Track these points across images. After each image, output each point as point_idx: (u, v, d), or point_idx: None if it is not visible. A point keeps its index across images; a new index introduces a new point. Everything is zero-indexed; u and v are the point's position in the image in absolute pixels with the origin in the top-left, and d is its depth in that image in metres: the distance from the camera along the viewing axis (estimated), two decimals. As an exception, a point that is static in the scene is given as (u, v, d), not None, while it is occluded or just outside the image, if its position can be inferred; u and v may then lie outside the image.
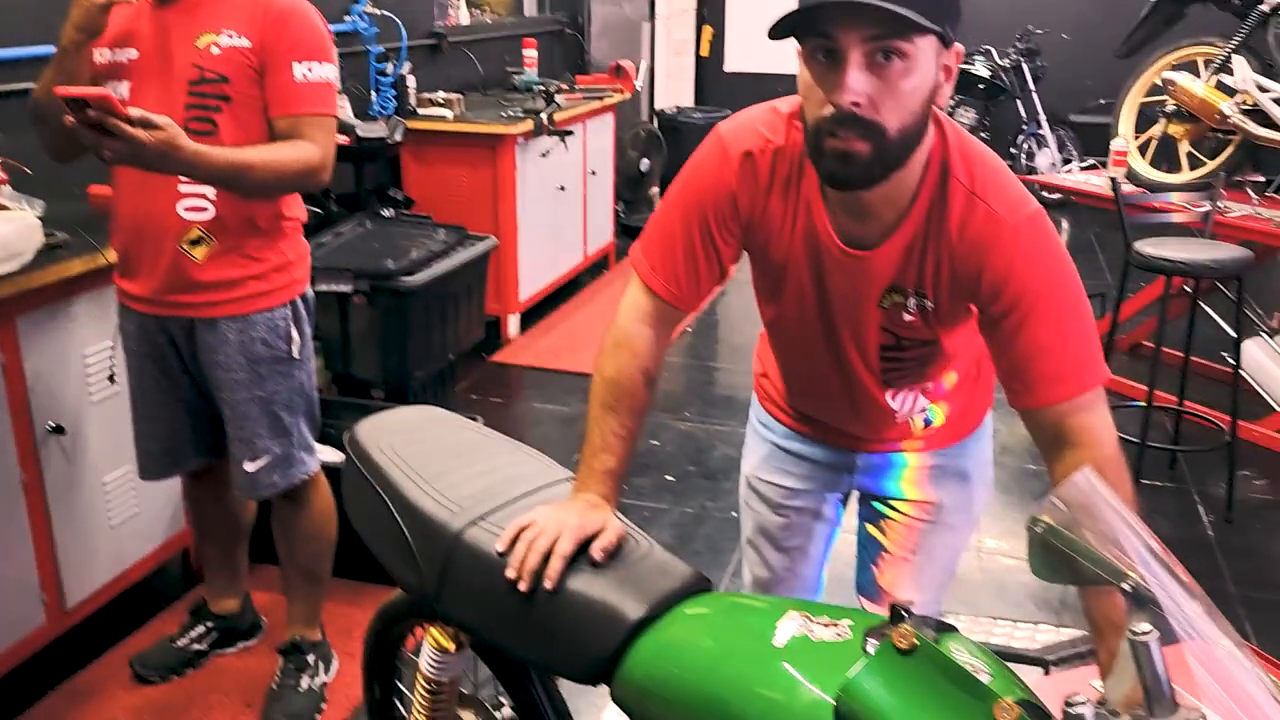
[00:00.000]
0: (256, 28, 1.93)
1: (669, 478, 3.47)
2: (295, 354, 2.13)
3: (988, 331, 1.32)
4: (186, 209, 1.97)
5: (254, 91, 1.95)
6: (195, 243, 1.98)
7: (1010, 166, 5.36)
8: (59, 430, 2.26)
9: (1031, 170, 7.16)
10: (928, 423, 1.57)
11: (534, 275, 4.81)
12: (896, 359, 1.46)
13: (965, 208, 1.27)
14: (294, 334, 2.12)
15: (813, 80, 1.21)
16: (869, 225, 1.33)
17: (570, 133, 4.80)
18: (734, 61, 8.71)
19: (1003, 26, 7.34)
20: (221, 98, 1.93)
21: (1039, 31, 7.34)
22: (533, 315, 4.89)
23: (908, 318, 1.37)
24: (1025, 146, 7.28)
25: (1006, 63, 7.22)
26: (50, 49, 2.76)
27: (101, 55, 1.96)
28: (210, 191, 1.96)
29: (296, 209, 2.14)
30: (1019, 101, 7.28)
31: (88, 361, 2.34)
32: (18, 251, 2.08)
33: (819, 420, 1.63)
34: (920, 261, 1.32)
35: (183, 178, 1.92)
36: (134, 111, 1.68)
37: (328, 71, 2.01)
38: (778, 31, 1.21)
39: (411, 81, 4.47)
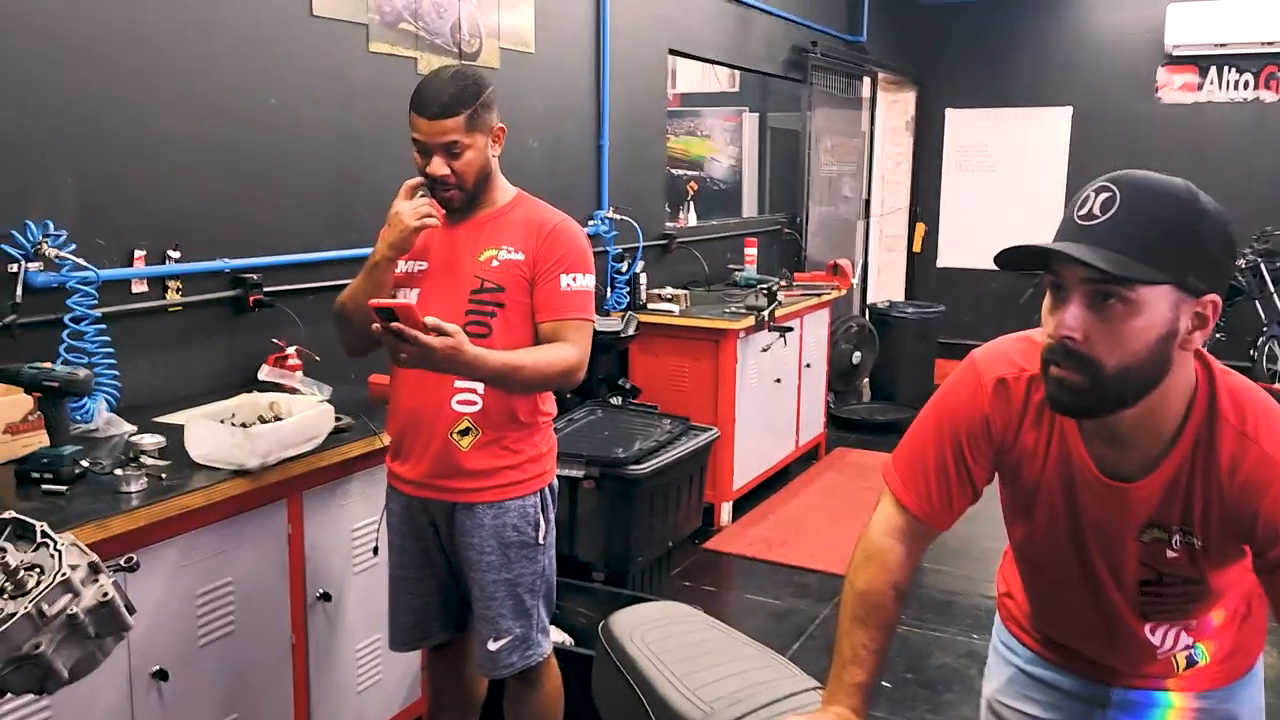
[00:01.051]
0: (532, 244, 2.19)
1: (885, 684, 3.37)
2: (541, 540, 2.28)
3: (1265, 576, 1.28)
4: (458, 402, 2.18)
5: (525, 299, 2.18)
6: (464, 433, 2.19)
7: (1250, 370, 5.09)
8: (326, 598, 2.48)
9: (1274, 375, 6.75)
10: (1192, 661, 1.51)
11: (748, 464, 4.89)
12: (1156, 593, 1.43)
13: (1236, 448, 1.27)
14: (541, 521, 2.28)
15: (1047, 307, 1.27)
16: (1128, 456, 1.34)
17: (790, 329, 4.96)
18: (946, 257, 8.80)
19: (1239, 226, 7.11)
20: (497, 304, 2.17)
21: (1277, 232, 7.07)
22: (744, 503, 4.94)
23: (1171, 554, 1.35)
24: (1266, 349, 6.90)
25: (1243, 263, 6.95)
26: (341, 254, 3.20)
27: (399, 266, 2.25)
28: (480, 387, 2.17)
29: (550, 405, 2.33)
30: (1258, 303, 6.97)
31: (355, 535, 2.57)
32: (315, 434, 2.35)
33: (1069, 648, 1.59)
34: (1186, 499, 1.31)
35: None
36: (429, 320, 1.92)
37: (589, 282, 2.23)
38: (1005, 263, 1.25)
39: (643, 278, 4.78)
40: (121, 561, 1.53)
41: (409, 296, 2.19)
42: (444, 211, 2.22)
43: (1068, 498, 1.40)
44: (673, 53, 5.27)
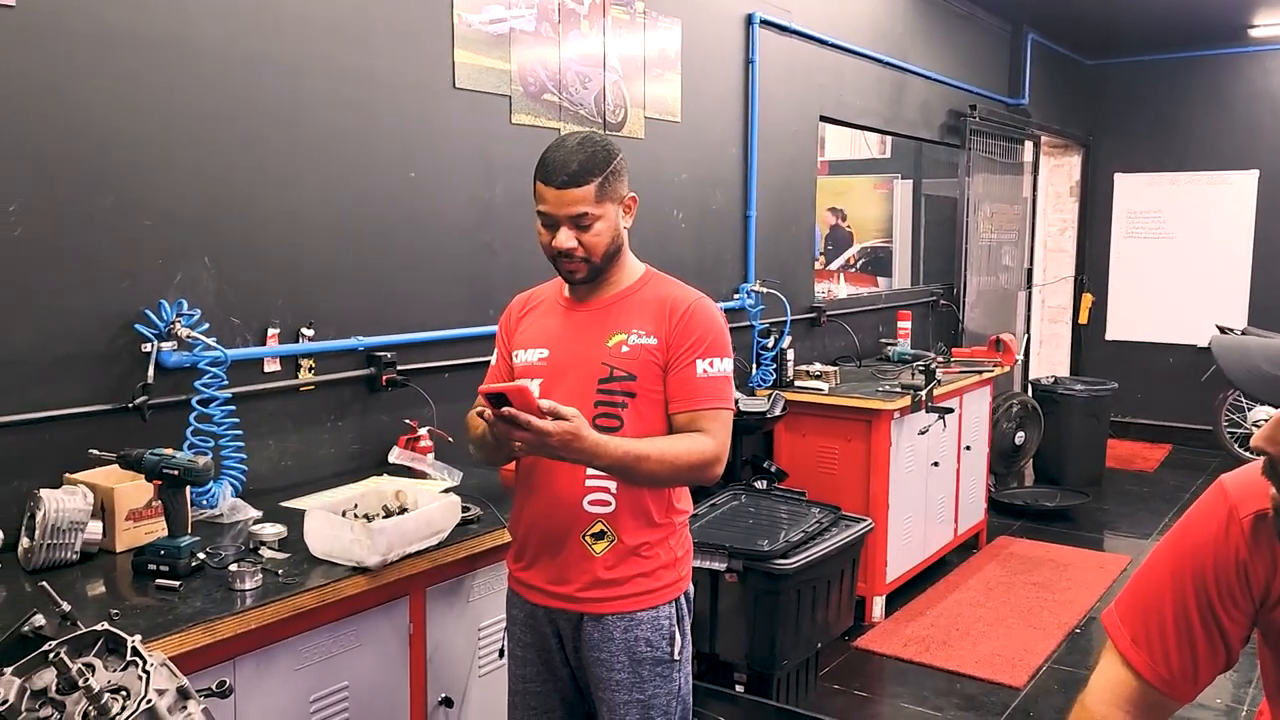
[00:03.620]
0: (664, 327, 1.97)
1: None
2: (676, 655, 2.03)
3: None
4: (591, 503, 1.96)
5: (658, 387, 1.97)
6: (598, 537, 1.98)
7: None
8: (447, 703, 2.30)
9: None
10: None
11: (902, 554, 4.53)
12: None
13: None
14: (676, 634, 2.03)
15: None
16: None
17: (950, 410, 4.61)
18: (1116, 329, 8.23)
19: None
20: (628, 394, 1.95)
21: None
22: (898, 596, 4.57)
23: None
24: None
25: None
26: (477, 331, 3.09)
27: (517, 357, 2.06)
28: (613, 486, 1.96)
29: (686, 503, 2.10)
30: None
31: (482, 634, 2.39)
32: (440, 529, 2.19)
33: None
34: None
35: (590, 470, 1.94)
36: (544, 404, 1.75)
37: (727, 366, 2.01)
38: None
39: (790, 354, 4.53)
40: (213, 686, 1.38)
41: (530, 387, 1.98)
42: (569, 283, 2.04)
43: (1355, 672, 1.09)
44: (824, 119, 5.06)
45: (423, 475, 2.73)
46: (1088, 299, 8.22)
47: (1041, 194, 7.88)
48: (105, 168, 2.27)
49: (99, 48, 2.24)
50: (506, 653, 2.16)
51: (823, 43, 4.86)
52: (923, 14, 5.82)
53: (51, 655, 1.33)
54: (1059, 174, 8.21)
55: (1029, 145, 7.28)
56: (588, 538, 1.97)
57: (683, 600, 2.07)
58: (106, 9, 2.24)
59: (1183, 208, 7.87)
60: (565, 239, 1.92)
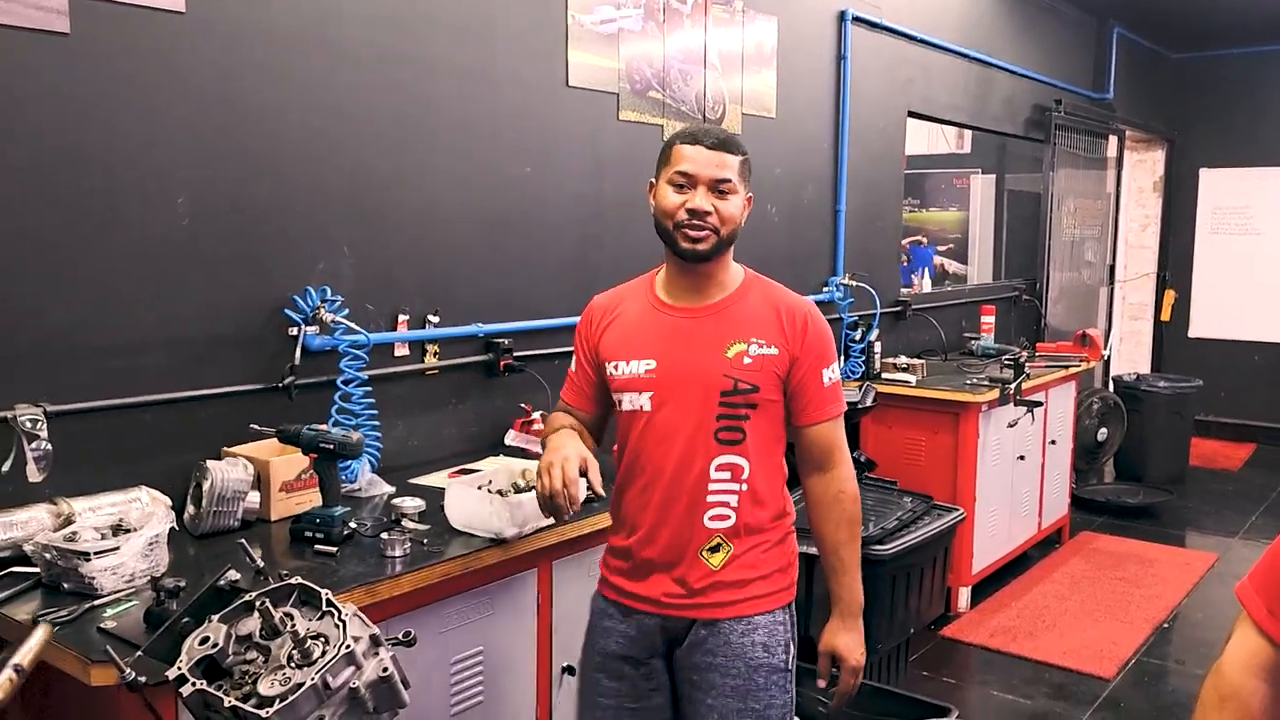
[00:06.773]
0: (784, 336, 1.90)
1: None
2: (790, 665, 1.99)
3: None
4: (711, 518, 1.90)
5: (776, 396, 1.91)
6: (714, 550, 1.91)
7: None
8: (570, 671, 2.41)
9: None
10: None
11: (987, 546, 4.57)
12: None
13: None
14: (792, 643, 2.00)
15: None
16: None
17: (1038, 403, 4.63)
18: (1200, 327, 8.12)
19: None
20: (750, 405, 1.88)
21: None
22: (983, 588, 4.61)
23: None
24: None
25: None
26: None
27: (617, 369, 1.93)
28: (733, 500, 1.89)
29: (791, 510, 2.06)
30: None
31: (601, 607, 2.51)
32: (568, 505, 2.31)
33: None
34: None
35: (711, 489, 1.88)
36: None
37: (839, 371, 1.98)
38: None
39: (877, 346, 4.59)
40: (400, 635, 1.51)
41: (639, 402, 1.90)
42: (695, 250, 1.86)
43: None
44: (912, 115, 5.10)
45: (536, 457, 2.85)
46: (1170, 295, 8.12)
47: (1124, 189, 7.80)
48: (258, 162, 2.42)
49: (255, 49, 2.39)
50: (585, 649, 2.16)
51: (911, 38, 4.90)
52: (1009, 9, 5.82)
53: (258, 604, 1.47)
54: (1141, 169, 8.12)
55: (1113, 140, 7.23)
56: (704, 552, 1.91)
57: (794, 606, 2.05)
58: (262, 12, 2.40)
59: (1270, 203, 7.74)
60: (703, 200, 1.84)
